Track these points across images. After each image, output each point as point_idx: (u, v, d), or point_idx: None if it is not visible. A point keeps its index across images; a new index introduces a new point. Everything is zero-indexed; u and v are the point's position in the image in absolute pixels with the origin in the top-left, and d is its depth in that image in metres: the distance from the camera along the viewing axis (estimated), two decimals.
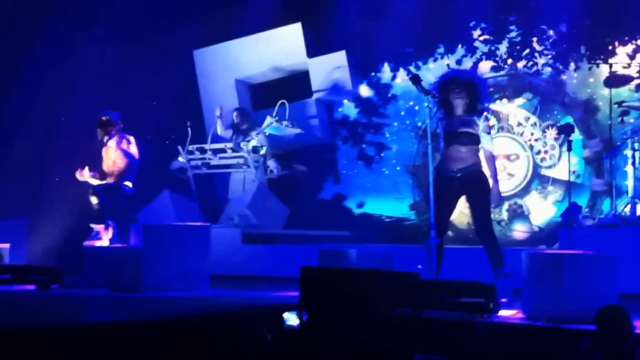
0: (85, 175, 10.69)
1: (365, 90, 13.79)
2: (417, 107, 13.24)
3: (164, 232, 9.51)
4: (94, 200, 10.54)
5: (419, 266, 7.89)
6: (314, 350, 6.46)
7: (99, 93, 12.69)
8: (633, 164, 10.11)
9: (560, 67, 12.17)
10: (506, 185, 12.16)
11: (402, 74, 13.37)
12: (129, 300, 8.51)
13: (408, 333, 6.74)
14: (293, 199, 13.06)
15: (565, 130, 11.11)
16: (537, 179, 12.26)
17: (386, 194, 13.38)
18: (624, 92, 11.59)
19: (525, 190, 12.32)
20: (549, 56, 12.22)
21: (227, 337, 4.48)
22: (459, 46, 12.88)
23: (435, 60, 13.05)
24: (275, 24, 14.02)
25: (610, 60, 11.46)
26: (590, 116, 12.03)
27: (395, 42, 13.33)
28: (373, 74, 13.74)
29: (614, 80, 11.37)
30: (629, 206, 10.06)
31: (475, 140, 8.17)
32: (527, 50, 12.36)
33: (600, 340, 5.43)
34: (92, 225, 10.59)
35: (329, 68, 13.73)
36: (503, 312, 6.99)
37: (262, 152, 12.65)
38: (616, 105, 10.95)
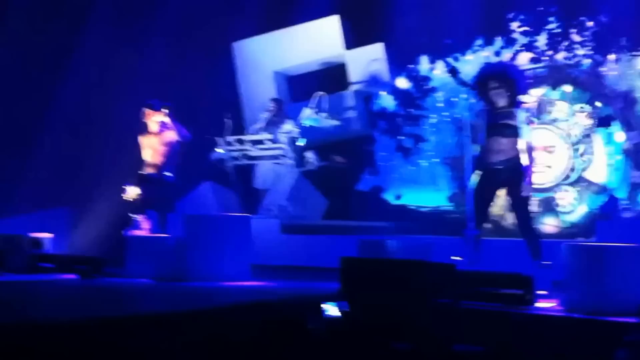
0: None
1: (402, 83, 13.78)
2: (455, 99, 13.21)
3: (205, 223, 9.63)
4: (135, 190, 10.67)
5: (458, 257, 7.92)
6: (354, 340, 6.54)
7: (140, 86, 12.80)
8: None
9: (600, 58, 12.10)
10: (543, 177, 12.15)
11: (440, 66, 13.34)
12: (173, 289, 8.62)
13: (447, 324, 6.79)
14: (331, 191, 13.11)
15: (604, 122, 11.12)
16: (574, 172, 12.19)
17: (424, 185, 13.38)
18: None
19: (561, 184, 12.25)
20: (589, 47, 12.15)
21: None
22: (498, 38, 12.83)
23: (474, 52, 12.99)
24: (314, 16, 14.06)
25: None
26: (630, 108, 11.94)
27: (433, 33, 13.33)
28: (411, 66, 13.73)
29: None
30: None
31: (515, 132, 8.20)
32: (567, 42, 12.31)
33: None
34: (133, 215, 10.72)
35: (367, 60, 13.77)
36: (541, 304, 7.01)
37: (301, 143, 12.71)
38: None
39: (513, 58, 12.53)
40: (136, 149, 11.08)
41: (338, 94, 13.86)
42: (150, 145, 10.96)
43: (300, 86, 14.61)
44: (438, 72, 13.38)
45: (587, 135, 12.12)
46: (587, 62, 12.19)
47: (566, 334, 6.41)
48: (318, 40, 14.02)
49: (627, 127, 11.87)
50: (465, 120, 8.37)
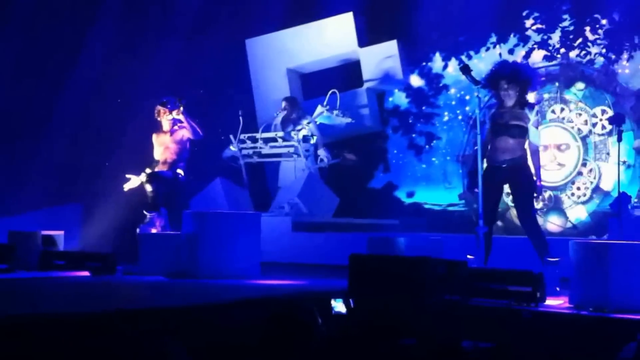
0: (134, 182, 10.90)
1: (416, 80, 13.79)
2: (467, 97, 13.21)
3: (216, 220, 9.65)
4: (148, 187, 10.71)
5: (469, 255, 7.93)
6: (362, 337, 6.54)
7: (153, 83, 12.82)
8: None
9: (613, 56, 12.06)
10: (555, 175, 12.14)
11: (453, 64, 13.34)
12: (184, 286, 8.65)
13: (456, 320, 6.80)
14: (343, 188, 13.11)
15: (616, 121, 11.06)
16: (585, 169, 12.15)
17: (436, 183, 13.39)
18: None
19: (571, 183, 12.22)
20: (602, 46, 12.12)
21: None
22: (511, 35, 12.81)
23: (488, 49, 13.00)
24: (327, 14, 14.06)
25: None
26: None
27: (446, 31, 13.34)
28: (424, 63, 13.73)
29: None
30: None
31: (524, 132, 8.22)
32: (580, 40, 12.27)
33: None
34: (146, 212, 10.76)
35: (380, 57, 13.76)
36: (550, 301, 7.01)
37: (313, 141, 12.71)
38: None
39: (527, 56, 12.53)
40: (149, 145, 11.12)
41: (351, 92, 13.86)
42: (162, 143, 11.01)
43: (314, 84, 14.61)
44: (451, 69, 13.38)
45: (599, 133, 12.10)
46: (600, 60, 12.16)
47: (574, 331, 6.41)
48: (332, 37, 14.01)
49: (639, 125, 11.84)
50: (477, 118, 8.36)
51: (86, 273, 9.66)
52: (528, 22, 12.70)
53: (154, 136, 11.06)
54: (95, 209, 13.04)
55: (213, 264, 9.29)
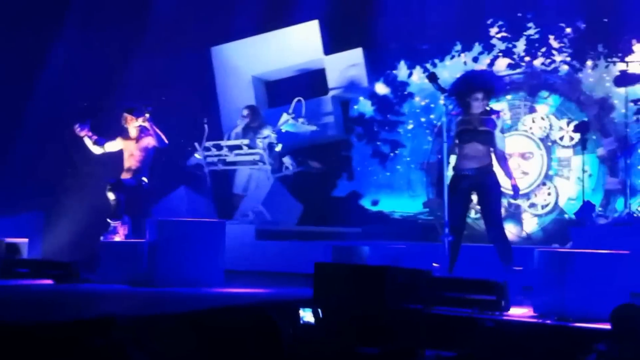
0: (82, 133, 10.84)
1: (381, 88, 13.79)
2: (432, 105, 13.23)
3: (179, 228, 9.58)
4: (111, 196, 10.61)
5: (435, 264, 7.92)
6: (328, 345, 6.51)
7: (117, 91, 12.73)
8: None
9: (577, 65, 12.12)
10: (519, 184, 12.18)
11: (418, 72, 13.36)
12: (145, 294, 8.58)
13: (419, 329, 6.78)
14: (308, 196, 13.09)
15: (580, 129, 11.13)
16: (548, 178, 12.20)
17: (400, 191, 13.39)
18: None
19: (532, 192, 12.26)
20: (566, 54, 12.18)
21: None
22: (476, 44, 12.84)
23: (452, 57, 13.02)
24: (293, 21, 14.05)
25: (627, 59, 11.41)
26: (605, 114, 11.96)
27: (411, 39, 13.36)
28: (389, 71, 13.73)
29: (625, 79, 11.31)
30: None
31: (491, 139, 8.26)
32: (545, 48, 12.32)
33: (616, 339, 5.43)
34: (109, 221, 10.67)
35: (345, 65, 13.77)
36: (514, 310, 7.01)
37: (278, 149, 12.68)
38: (632, 104, 10.93)
39: (491, 64, 12.55)
40: (112, 153, 11.03)
41: (316, 99, 13.85)
42: (127, 150, 10.92)
43: (279, 91, 14.60)
44: (416, 77, 13.40)
45: (563, 142, 12.15)
46: (564, 68, 12.21)
47: (537, 339, 6.41)
48: (297, 45, 14.01)
49: (603, 133, 11.90)
50: (442, 126, 8.37)
51: (49, 281, 9.58)
52: (492, 30, 12.73)
53: (120, 140, 10.98)
54: (58, 216, 12.93)
55: (176, 272, 9.22)
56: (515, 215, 12.20)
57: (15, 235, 10.80)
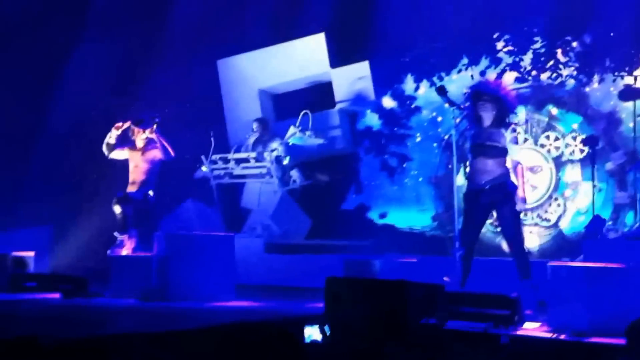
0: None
1: (388, 101, 13.77)
2: (440, 118, 13.21)
3: (188, 242, 9.56)
4: (117, 209, 10.61)
5: (446, 278, 7.90)
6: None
7: (125, 104, 12.74)
8: None
9: (584, 79, 12.10)
10: (528, 197, 12.15)
11: (425, 85, 13.34)
12: (156, 309, 8.55)
13: (432, 344, 6.75)
14: (315, 209, 13.08)
15: (589, 142, 11.11)
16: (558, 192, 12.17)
17: (408, 205, 13.35)
18: None
19: (540, 206, 12.23)
20: (573, 68, 12.16)
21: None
22: (483, 57, 12.81)
23: (459, 71, 12.98)
24: (299, 34, 14.06)
25: (635, 73, 11.40)
26: (613, 128, 11.94)
27: (418, 53, 13.34)
28: (396, 85, 13.72)
29: (629, 94, 11.30)
30: None
31: (501, 152, 8.22)
32: (552, 62, 12.31)
33: (631, 354, 5.40)
34: (116, 234, 10.65)
35: (352, 78, 13.77)
36: (528, 325, 6.98)
37: (285, 162, 12.67)
38: None
39: (498, 78, 12.51)
40: (119, 166, 11.02)
41: (323, 113, 13.84)
42: (133, 161, 10.90)
43: (285, 104, 14.59)
44: (422, 91, 13.38)
45: (572, 156, 12.13)
46: (571, 82, 12.20)
47: (552, 355, 6.38)
48: (304, 58, 14.01)
49: (611, 147, 11.87)
50: (451, 139, 8.36)
51: (57, 295, 9.55)
52: (499, 44, 12.70)
53: (127, 150, 10.96)
54: (66, 230, 12.92)
55: (186, 287, 9.20)
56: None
57: (23, 248, 10.79)
